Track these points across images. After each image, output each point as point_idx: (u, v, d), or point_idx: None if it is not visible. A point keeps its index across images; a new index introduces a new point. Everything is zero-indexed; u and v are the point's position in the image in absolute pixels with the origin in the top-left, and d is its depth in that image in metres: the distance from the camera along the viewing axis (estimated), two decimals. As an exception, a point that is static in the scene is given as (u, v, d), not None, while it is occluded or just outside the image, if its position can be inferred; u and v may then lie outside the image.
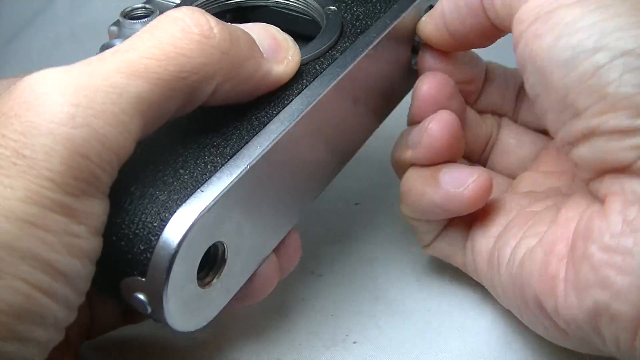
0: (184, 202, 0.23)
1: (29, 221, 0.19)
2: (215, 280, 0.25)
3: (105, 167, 0.21)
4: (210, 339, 0.33)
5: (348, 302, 0.34)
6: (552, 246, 0.26)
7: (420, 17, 0.33)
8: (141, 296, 0.23)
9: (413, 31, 0.33)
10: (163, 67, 0.21)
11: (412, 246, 0.37)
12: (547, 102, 0.26)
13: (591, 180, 0.25)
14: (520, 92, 0.36)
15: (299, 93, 0.27)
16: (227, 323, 0.33)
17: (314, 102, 0.27)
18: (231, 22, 0.25)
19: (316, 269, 0.36)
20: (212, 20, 0.23)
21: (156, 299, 0.23)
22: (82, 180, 0.20)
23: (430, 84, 0.32)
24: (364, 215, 0.40)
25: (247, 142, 0.25)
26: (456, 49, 0.33)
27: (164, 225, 0.22)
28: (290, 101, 0.27)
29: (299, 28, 0.32)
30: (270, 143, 0.25)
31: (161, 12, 0.25)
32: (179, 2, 0.31)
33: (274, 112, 0.26)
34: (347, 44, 0.30)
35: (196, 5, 0.29)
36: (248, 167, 0.24)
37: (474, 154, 0.36)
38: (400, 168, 0.33)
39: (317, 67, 0.29)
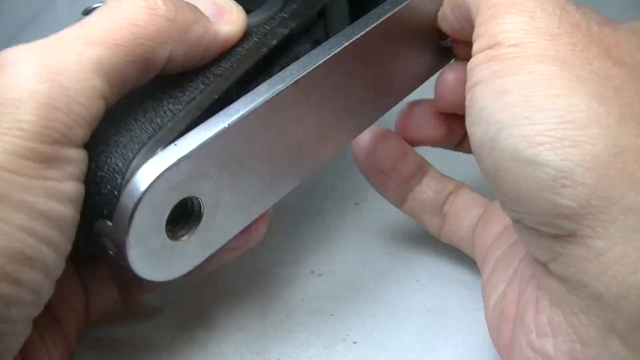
0: (146, 143, 0.24)
1: (1, 167, 0.21)
2: (188, 235, 0.26)
3: (75, 118, 0.22)
4: (210, 338, 0.33)
5: (348, 302, 0.34)
6: (506, 306, 0.27)
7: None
8: (107, 240, 0.24)
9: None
10: (119, 35, 0.24)
11: (412, 246, 0.37)
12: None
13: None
14: None
15: (251, 48, 0.29)
16: (227, 322, 0.34)
17: (320, 61, 0.28)
18: None
19: (316, 269, 0.36)
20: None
21: (119, 243, 0.24)
22: (54, 129, 0.22)
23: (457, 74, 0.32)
24: (363, 214, 0.40)
25: (203, 92, 0.26)
26: None
27: (128, 165, 0.24)
28: (244, 55, 0.28)
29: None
30: (253, 105, 0.26)
31: None
32: None
33: (227, 66, 0.28)
34: (294, 6, 0.31)
35: None
36: (227, 125, 0.25)
37: None
38: None
39: (266, 27, 0.30)
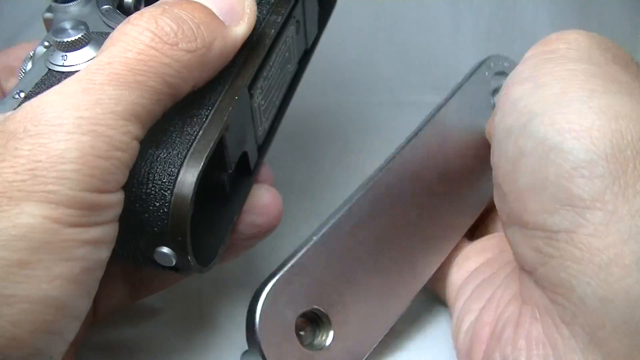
0: (185, 156, 0.24)
1: (46, 217, 0.21)
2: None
3: (115, 163, 0.22)
4: (210, 339, 0.33)
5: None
6: (480, 329, 0.28)
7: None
8: (165, 249, 0.25)
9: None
10: (147, 76, 0.23)
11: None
12: (494, 176, 0.27)
13: (520, 268, 0.26)
14: None
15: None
16: (227, 323, 0.34)
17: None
18: None
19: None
20: (172, 22, 0.24)
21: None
22: (96, 177, 0.22)
23: None
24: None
25: (221, 93, 0.26)
26: None
27: (174, 181, 0.24)
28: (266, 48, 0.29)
29: None
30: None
31: None
32: None
33: (239, 62, 0.27)
34: None
35: None
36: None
37: None
38: None
39: (258, 15, 0.29)
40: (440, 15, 0.56)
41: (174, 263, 0.25)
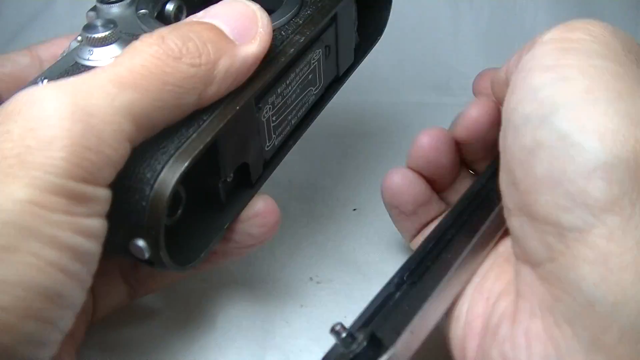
0: (173, 154, 0.25)
1: (32, 202, 0.21)
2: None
3: (104, 159, 0.23)
4: (212, 342, 0.33)
5: (347, 309, 0.34)
6: (472, 320, 0.27)
7: None
8: (140, 242, 0.25)
9: None
10: (148, 81, 0.24)
11: (410, 252, 0.37)
12: (502, 160, 0.26)
13: (519, 260, 0.26)
14: None
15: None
16: (227, 328, 0.34)
17: None
18: None
19: (315, 276, 0.37)
20: (178, 40, 0.25)
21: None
22: (83, 168, 0.22)
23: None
24: (361, 221, 0.40)
25: (225, 102, 0.27)
26: None
27: (156, 177, 0.25)
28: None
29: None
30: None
31: None
32: None
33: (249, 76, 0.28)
34: (308, 11, 0.31)
35: None
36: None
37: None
38: None
39: (282, 34, 0.30)
40: (440, 15, 0.56)
41: (146, 256, 0.26)
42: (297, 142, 0.48)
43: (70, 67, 0.28)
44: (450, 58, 0.53)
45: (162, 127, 0.25)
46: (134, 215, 0.25)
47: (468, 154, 0.34)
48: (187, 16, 0.33)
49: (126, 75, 0.24)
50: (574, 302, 0.22)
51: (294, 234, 0.40)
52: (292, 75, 0.31)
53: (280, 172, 0.45)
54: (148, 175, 0.25)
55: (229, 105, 0.27)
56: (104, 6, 0.31)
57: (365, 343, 0.25)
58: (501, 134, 0.26)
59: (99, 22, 0.28)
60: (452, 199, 0.35)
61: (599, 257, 0.22)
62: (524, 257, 0.25)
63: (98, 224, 0.23)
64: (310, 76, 0.33)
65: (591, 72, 0.24)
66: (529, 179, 0.24)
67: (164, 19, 0.32)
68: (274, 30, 0.29)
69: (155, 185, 0.25)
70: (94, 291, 0.31)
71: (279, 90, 0.30)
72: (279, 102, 0.31)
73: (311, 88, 0.33)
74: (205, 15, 0.27)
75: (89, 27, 0.28)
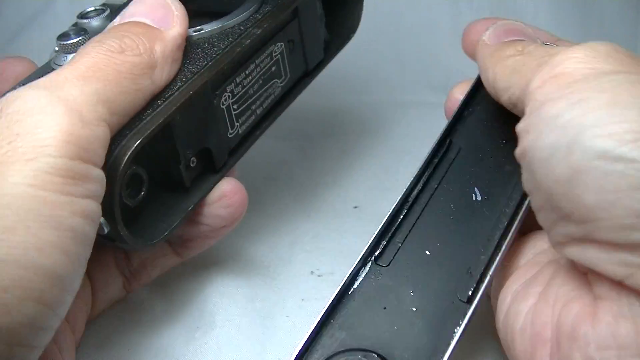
0: (127, 135, 0.27)
1: (29, 184, 0.22)
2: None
3: (91, 134, 0.24)
4: (211, 339, 0.33)
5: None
6: (539, 329, 0.26)
7: None
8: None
9: None
10: (105, 73, 0.26)
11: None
12: (537, 200, 0.25)
13: (587, 273, 0.25)
14: None
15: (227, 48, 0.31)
16: (227, 322, 0.34)
17: None
18: None
19: (316, 270, 0.37)
20: (115, 39, 0.28)
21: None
22: (75, 144, 0.23)
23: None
24: (362, 217, 0.40)
25: (180, 88, 0.29)
26: None
27: (110, 157, 0.26)
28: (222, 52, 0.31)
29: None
30: None
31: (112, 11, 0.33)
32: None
33: (204, 64, 0.31)
34: (268, 8, 0.34)
35: None
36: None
37: None
38: None
39: (241, 28, 0.32)
40: (440, 15, 0.57)
41: (105, 231, 0.27)
42: (298, 141, 0.48)
43: (46, 73, 0.29)
44: (450, 58, 0.53)
45: (131, 111, 0.27)
46: None
47: None
48: None
49: (85, 70, 0.26)
50: None
51: (295, 228, 0.40)
52: (252, 66, 0.33)
53: (280, 171, 0.45)
54: (107, 156, 0.26)
55: (183, 92, 0.29)
56: (83, 21, 0.33)
57: None
58: (525, 176, 0.26)
59: (71, 31, 0.31)
60: None
61: None
62: (596, 271, 0.24)
63: (94, 206, 0.24)
64: (273, 68, 0.35)
65: (607, 87, 0.23)
66: (581, 209, 0.23)
67: None
68: (234, 26, 0.33)
69: (110, 162, 0.26)
70: (93, 283, 0.32)
71: (237, 80, 0.32)
72: (239, 91, 0.33)
73: (276, 80, 0.35)
74: (124, 16, 0.30)
75: (62, 36, 0.31)
